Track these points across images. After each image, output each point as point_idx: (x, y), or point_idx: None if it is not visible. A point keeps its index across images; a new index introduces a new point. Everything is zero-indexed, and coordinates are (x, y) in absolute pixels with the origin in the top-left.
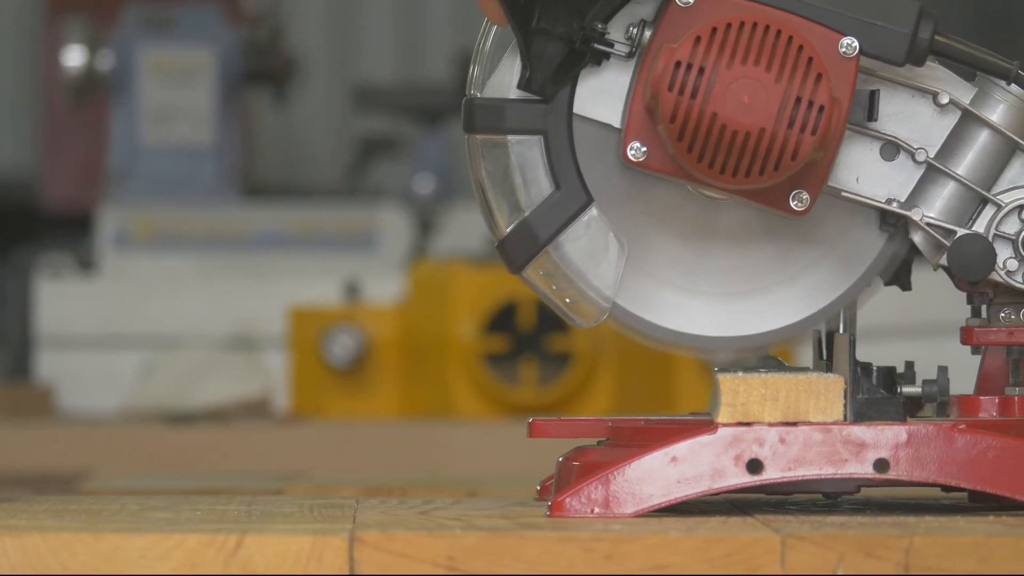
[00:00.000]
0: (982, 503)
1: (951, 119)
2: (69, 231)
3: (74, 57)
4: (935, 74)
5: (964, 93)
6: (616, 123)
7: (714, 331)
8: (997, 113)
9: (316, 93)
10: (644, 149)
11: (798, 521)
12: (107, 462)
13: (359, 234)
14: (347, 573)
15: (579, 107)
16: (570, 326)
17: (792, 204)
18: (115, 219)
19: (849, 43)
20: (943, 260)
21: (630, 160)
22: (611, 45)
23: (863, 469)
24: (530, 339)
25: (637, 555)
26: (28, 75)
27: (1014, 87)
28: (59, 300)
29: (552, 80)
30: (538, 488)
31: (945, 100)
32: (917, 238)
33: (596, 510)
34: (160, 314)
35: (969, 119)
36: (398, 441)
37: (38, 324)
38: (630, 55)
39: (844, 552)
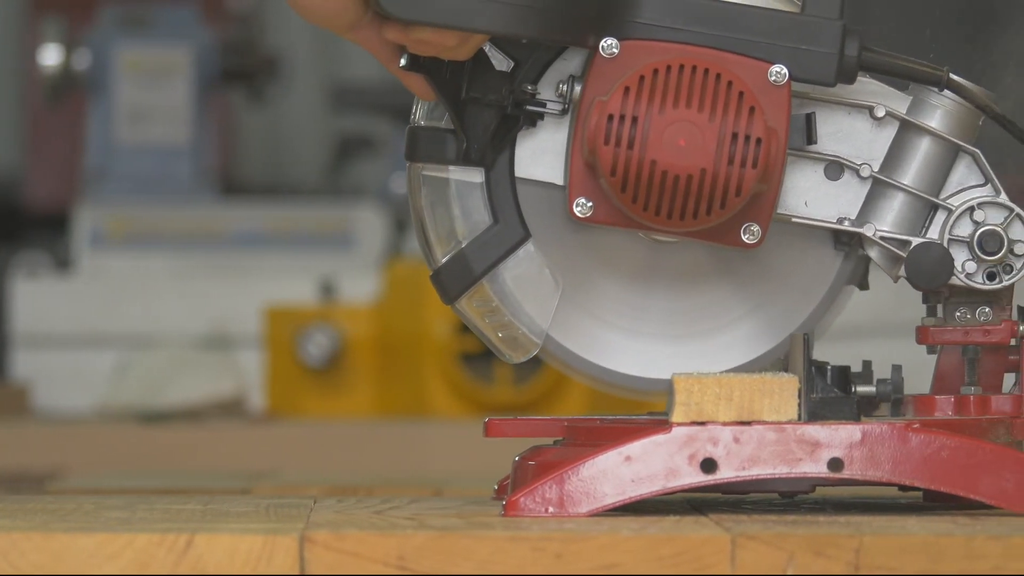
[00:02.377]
0: (937, 502)
1: (890, 131)
2: (51, 230)
3: (50, 56)
4: (868, 88)
5: (900, 103)
6: (559, 181)
7: (668, 374)
8: (935, 119)
9: (302, 92)
10: (590, 204)
11: (750, 520)
12: (82, 461)
13: (335, 233)
14: (298, 573)
15: (520, 170)
16: None
17: (744, 238)
18: (91, 218)
19: (778, 71)
20: (901, 272)
21: (577, 216)
22: (544, 105)
23: (817, 468)
24: None
25: (587, 554)
26: (11, 74)
27: (947, 92)
28: (35, 299)
29: (490, 148)
30: (495, 487)
31: (881, 113)
32: (873, 253)
33: (550, 509)
34: (136, 313)
35: (908, 128)
36: (373, 440)
37: (14, 323)
38: (564, 112)
39: (794, 551)
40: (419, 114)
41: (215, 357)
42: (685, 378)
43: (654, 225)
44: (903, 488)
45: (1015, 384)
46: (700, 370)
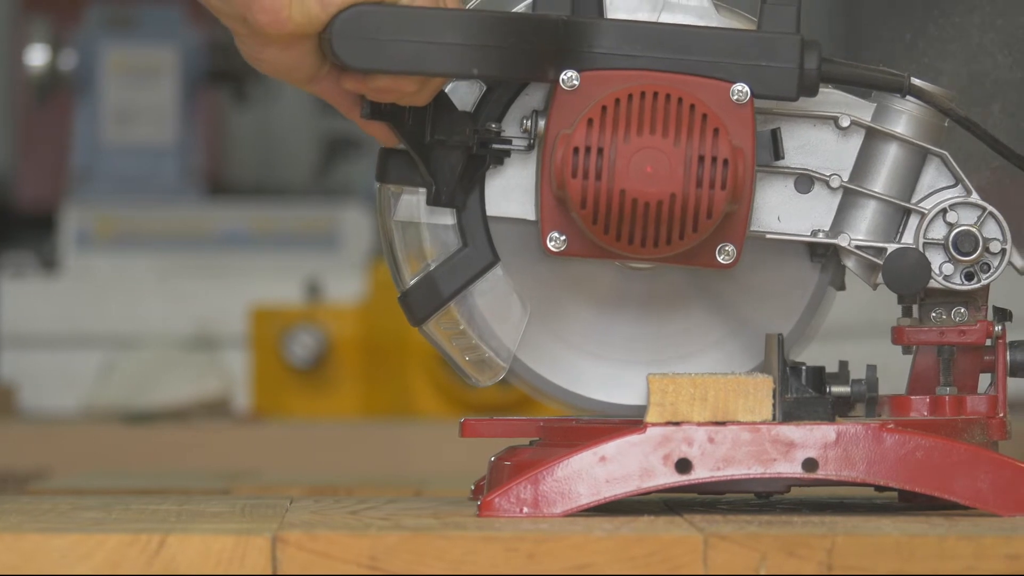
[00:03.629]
0: (912, 503)
1: (857, 139)
2: (40, 230)
3: (37, 57)
4: (831, 99)
5: (864, 112)
6: (531, 216)
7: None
8: (901, 124)
9: (292, 93)
10: (563, 237)
11: (724, 521)
12: (66, 461)
13: (321, 233)
14: (270, 573)
15: (491, 209)
16: None
17: (719, 259)
18: (77, 218)
19: (740, 90)
20: (880, 279)
21: (551, 251)
22: (509, 142)
23: (792, 468)
24: None
25: (559, 554)
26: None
27: (910, 98)
28: (21, 299)
29: (459, 189)
30: (472, 488)
31: (846, 123)
32: (850, 263)
33: (525, 510)
34: (122, 313)
35: (875, 136)
36: (358, 440)
37: (0, 323)
38: (530, 147)
39: (766, 552)
40: None
41: (200, 357)
42: (660, 378)
43: (629, 254)
44: (879, 488)
45: (991, 384)
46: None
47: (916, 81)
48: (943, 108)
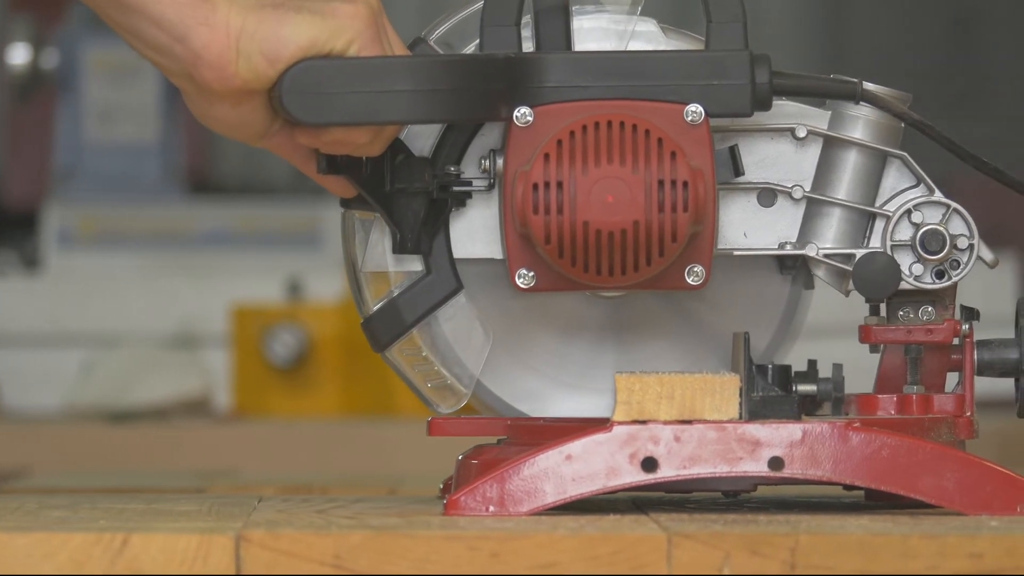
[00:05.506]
0: (880, 501)
1: (815, 149)
2: (24, 229)
3: (19, 55)
4: (786, 111)
5: (820, 121)
6: (498, 255)
7: None
8: (858, 130)
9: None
10: (531, 274)
11: (690, 520)
12: (47, 460)
13: (303, 232)
14: (234, 572)
15: (458, 251)
16: None
17: (688, 280)
18: (59, 217)
19: (694, 110)
20: (851, 286)
21: (521, 288)
22: (469, 183)
23: (758, 467)
24: None
25: (523, 553)
26: None
27: (863, 105)
28: (3, 298)
29: (423, 233)
30: (441, 486)
31: (803, 133)
32: (820, 272)
33: (491, 508)
34: (103, 312)
35: (833, 143)
36: (340, 439)
37: None
38: (490, 187)
39: (730, 550)
40: None
41: (181, 356)
42: (626, 377)
43: (598, 284)
44: (847, 487)
45: (958, 383)
46: None
47: (868, 86)
48: (896, 112)
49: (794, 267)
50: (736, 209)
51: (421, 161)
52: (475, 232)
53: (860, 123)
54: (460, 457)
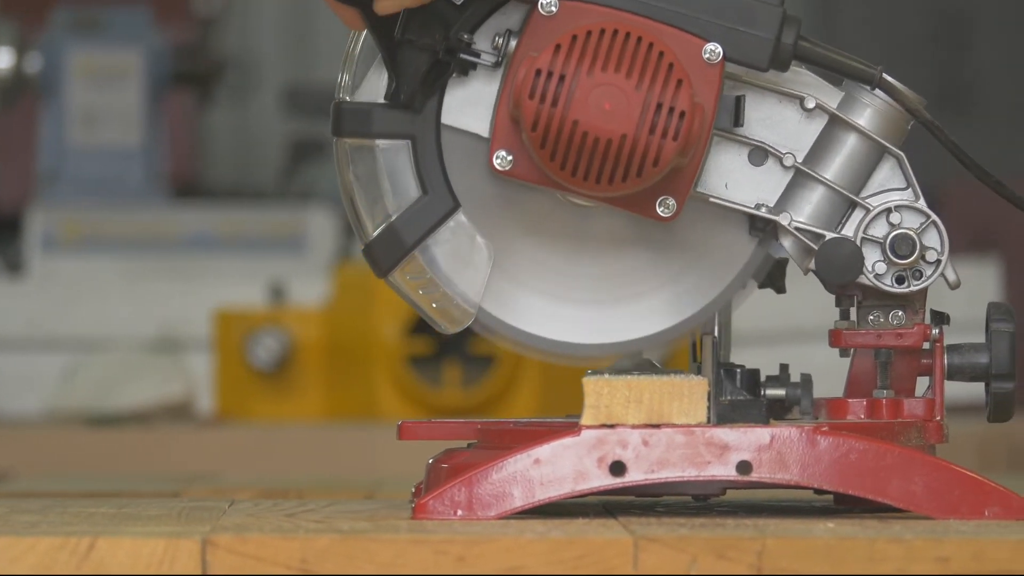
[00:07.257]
0: (848, 505)
1: (819, 123)
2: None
3: (2, 60)
4: (802, 79)
5: (831, 97)
6: (484, 133)
7: (585, 338)
8: (864, 117)
9: (267, 95)
10: (510, 158)
11: (658, 523)
12: (30, 464)
13: (286, 236)
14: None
15: (447, 117)
16: None
17: (659, 211)
18: (43, 221)
19: (712, 49)
20: (812, 264)
21: (496, 168)
22: (477, 55)
23: (726, 471)
24: (453, 341)
25: (490, 557)
26: None
27: (879, 92)
28: None
29: (419, 91)
30: (412, 490)
31: (811, 105)
32: (787, 243)
33: (459, 512)
34: (86, 316)
35: (836, 123)
36: (322, 443)
37: None
38: (497, 65)
39: (696, 554)
40: (343, 91)
41: (163, 360)
42: (595, 380)
43: (569, 185)
44: (818, 491)
45: (928, 388)
46: (618, 335)
47: (888, 77)
48: (910, 108)
49: (763, 231)
50: (725, 159)
51: (438, 19)
52: (469, 105)
53: (868, 111)
54: (430, 461)
